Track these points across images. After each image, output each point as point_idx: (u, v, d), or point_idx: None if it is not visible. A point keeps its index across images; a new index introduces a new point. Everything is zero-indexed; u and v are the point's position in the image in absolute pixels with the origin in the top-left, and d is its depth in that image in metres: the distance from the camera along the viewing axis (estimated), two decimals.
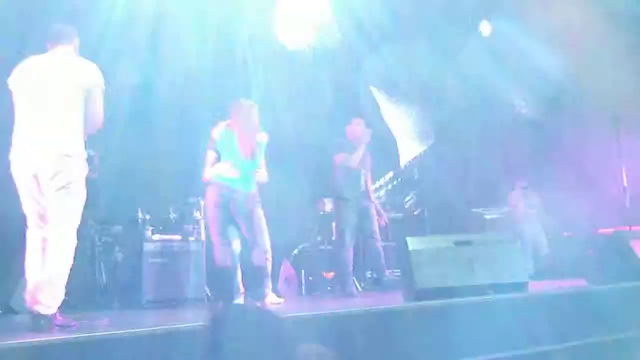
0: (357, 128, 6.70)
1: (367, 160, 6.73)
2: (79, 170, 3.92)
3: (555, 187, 9.65)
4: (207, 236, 6.86)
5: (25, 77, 3.95)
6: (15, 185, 3.98)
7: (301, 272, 7.44)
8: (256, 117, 5.47)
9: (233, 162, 5.36)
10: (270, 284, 5.82)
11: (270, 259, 5.81)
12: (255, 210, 5.53)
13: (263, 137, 5.51)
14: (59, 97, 3.86)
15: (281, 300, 5.97)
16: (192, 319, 3.81)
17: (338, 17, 9.17)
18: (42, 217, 3.91)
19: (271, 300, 5.66)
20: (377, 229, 6.64)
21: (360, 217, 6.55)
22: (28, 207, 3.93)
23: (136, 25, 7.42)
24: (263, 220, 5.81)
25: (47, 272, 3.82)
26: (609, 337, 3.84)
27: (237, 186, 5.33)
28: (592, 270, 5.10)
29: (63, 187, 3.81)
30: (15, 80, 3.99)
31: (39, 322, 3.71)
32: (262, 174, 5.69)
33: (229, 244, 5.43)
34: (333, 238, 8.03)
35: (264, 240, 5.75)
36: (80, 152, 3.93)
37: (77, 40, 4.20)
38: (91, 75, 4.02)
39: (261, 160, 5.56)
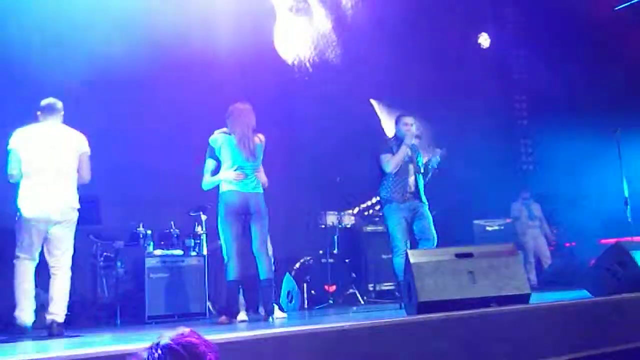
0: (404, 127, 6.26)
1: (416, 159, 6.29)
2: (76, 218, 5.11)
3: (557, 198, 9.67)
4: (212, 250, 6.88)
5: (28, 142, 4.94)
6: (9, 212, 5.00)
7: (303, 285, 7.42)
8: (252, 118, 5.48)
9: (237, 165, 5.39)
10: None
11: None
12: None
13: (261, 138, 5.53)
14: (64, 161, 4.99)
15: (284, 315, 5.93)
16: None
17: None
18: (49, 252, 4.98)
19: (276, 314, 5.65)
20: (429, 231, 6.09)
21: (411, 219, 6.09)
22: (35, 244, 4.89)
23: (136, 39, 7.48)
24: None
25: (62, 290, 4.96)
26: (612, 349, 3.83)
27: (248, 188, 5.39)
28: (595, 281, 5.08)
29: (70, 231, 5.04)
30: (18, 143, 4.94)
31: (58, 329, 4.81)
32: (261, 177, 5.66)
33: (241, 255, 5.42)
34: (335, 251, 8.02)
35: (269, 249, 5.74)
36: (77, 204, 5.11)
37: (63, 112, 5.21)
38: (83, 144, 5.16)
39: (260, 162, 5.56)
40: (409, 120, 6.32)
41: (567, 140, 9.24)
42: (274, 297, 5.66)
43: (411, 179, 6.20)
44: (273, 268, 5.61)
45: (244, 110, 5.51)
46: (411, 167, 6.22)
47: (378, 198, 6.51)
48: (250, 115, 5.50)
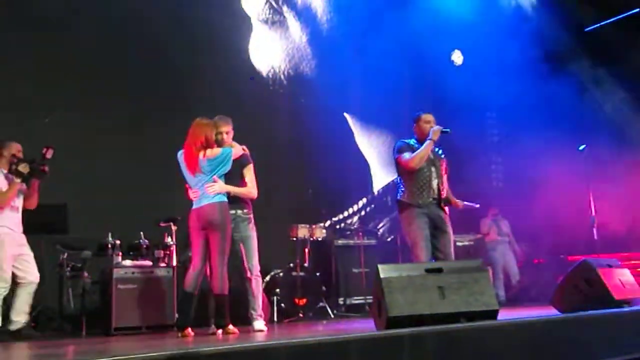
0: (426, 126, 5.77)
1: (439, 163, 5.77)
2: None
3: (526, 215, 9.78)
4: (182, 261, 6.82)
5: None
6: None
7: (273, 299, 7.37)
8: (203, 132, 5.27)
9: (189, 183, 5.39)
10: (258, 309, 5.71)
11: (255, 279, 5.68)
12: (228, 225, 5.33)
13: (214, 152, 5.30)
14: None
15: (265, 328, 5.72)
16: (161, 347, 3.76)
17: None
18: None
19: (259, 327, 5.58)
20: (449, 247, 5.62)
21: (433, 229, 5.60)
22: None
23: (107, 50, 7.45)
24: (253, 240, 5.68)
25: None
26: None
27: (198, 204, 5.31)
28: (562, 298, 5.14)
29: None
30: None
31: None
32: (238, 190, 5.55)
33: (200, 272, 5.34)
34: (305, 264, 8.00)
35: (253, 267, 5.64)
36: None
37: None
38: None
39: (218, 172, 5.31)
40: (429, 117, 5.84)
41: (536, 156, 9.36)
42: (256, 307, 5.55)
43: (435, 183, 5.68)
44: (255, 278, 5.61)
45: (194, 124, 5.35)
46: (434, 170, 5.70)
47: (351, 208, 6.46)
48: (199, 128, 5.31)
